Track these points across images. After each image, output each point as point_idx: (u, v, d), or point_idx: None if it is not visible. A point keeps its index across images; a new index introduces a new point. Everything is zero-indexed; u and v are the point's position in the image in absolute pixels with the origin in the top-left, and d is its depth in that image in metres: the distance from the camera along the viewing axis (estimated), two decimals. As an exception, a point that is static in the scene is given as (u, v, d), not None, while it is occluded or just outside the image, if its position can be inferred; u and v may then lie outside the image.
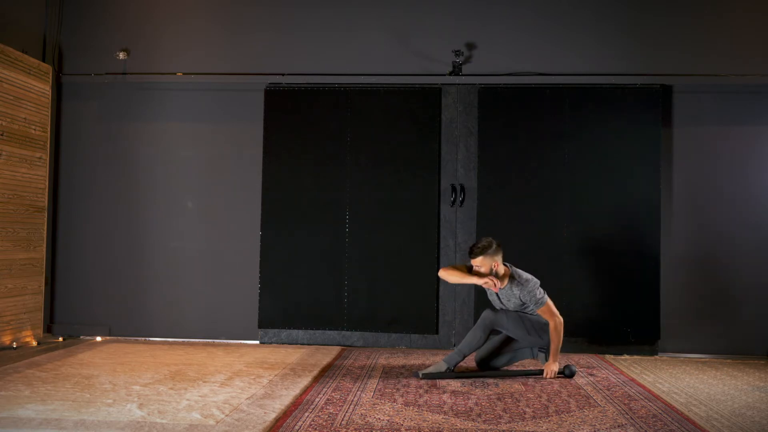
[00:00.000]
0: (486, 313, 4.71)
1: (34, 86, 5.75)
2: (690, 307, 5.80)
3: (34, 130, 5.78)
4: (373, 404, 3.84)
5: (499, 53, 6.02)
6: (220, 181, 6.17)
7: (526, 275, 4.72)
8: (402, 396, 4.05)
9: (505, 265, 4.74)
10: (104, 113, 6.29)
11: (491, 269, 4.64)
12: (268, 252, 5.97)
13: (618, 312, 5.73)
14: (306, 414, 3.60)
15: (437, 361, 4.77)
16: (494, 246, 4.64)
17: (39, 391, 4.00)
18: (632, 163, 5.79)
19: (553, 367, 4.65)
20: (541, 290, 4.71)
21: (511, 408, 3.82)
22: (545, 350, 4.80)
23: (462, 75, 5.94)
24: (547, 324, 4.71)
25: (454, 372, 4.59)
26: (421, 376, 4.54)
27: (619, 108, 5.83)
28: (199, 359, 5.15)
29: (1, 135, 5.38)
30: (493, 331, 4.75)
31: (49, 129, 5.97)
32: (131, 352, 5.39)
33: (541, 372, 4.69)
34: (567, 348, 5.73)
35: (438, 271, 4.98)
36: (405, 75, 6.03)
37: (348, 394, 4.07)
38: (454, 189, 5.90)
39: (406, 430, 3.35)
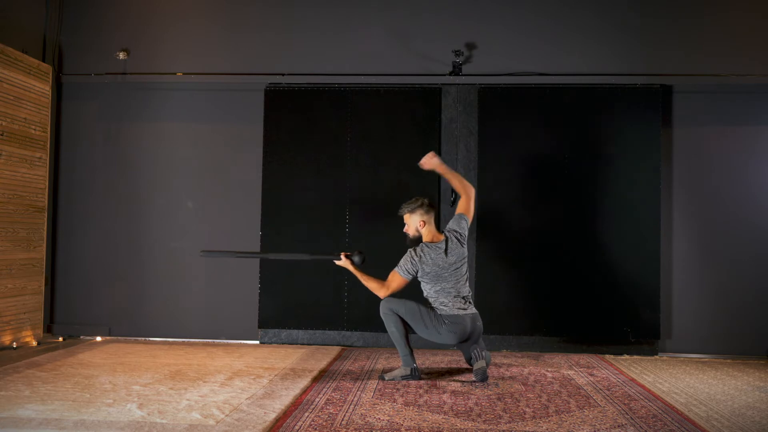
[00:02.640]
0: (381, 304, 4.60)
1: (34, 86, 5.75)
2: (689, 307, 5.80)
3: (34, 130, 5.78)
4: (373, 404, 3.84)
5: (499, 53, 6.02)
6: (220, 181, 6.17)
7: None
8: (402, 396, 4.05)
9: (442, 232, 4.69)
10: (104, 113, 6.29)
11: (416, 229, 4.67)
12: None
13: (618, 312, 5.73)
14: (306, 414, 3.60)
15: (437, 361, 4.75)
16: (418, 203, 4.67)
17: (39, 391, 4.00)
18: (632, 163, 5.79)
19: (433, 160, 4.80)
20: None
21: (511, 408, 3.82)
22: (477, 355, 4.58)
23: (462, 75, 5.94)
24: (445, 320, 4.56)
25: (418, 370, 4.52)
26: (386, 378, 4.51)
27: (619, 108, 5.83)
28: (199, 359, 5.15)
29: (1, 135, 5.38)
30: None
31: (49, 129, 5.97)
32: (131, 352, 5.39)
33: None
34: (567, 348, 5.74)
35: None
36: (405, 75, 6.03)
37: (348, 394, 4.07)
38: (454, 189, 5.89)
39: (406, 430, 3.35)
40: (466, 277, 4.65)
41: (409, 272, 4.57)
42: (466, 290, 4.63)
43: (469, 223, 4.75)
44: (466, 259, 4.66)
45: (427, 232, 4.67)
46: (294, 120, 6.03)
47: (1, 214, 5.41)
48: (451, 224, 4.73)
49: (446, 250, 4.58)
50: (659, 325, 5.70)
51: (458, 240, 4.63)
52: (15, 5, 5.89)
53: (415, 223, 4.68)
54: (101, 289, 6.18)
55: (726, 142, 5.86)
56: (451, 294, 4.56)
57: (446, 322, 4.52)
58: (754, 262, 5.77)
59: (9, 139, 5.46)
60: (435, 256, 4.56)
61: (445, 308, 4.55)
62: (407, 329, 4.57)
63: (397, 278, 4.60)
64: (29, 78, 5.68)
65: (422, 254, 4.57)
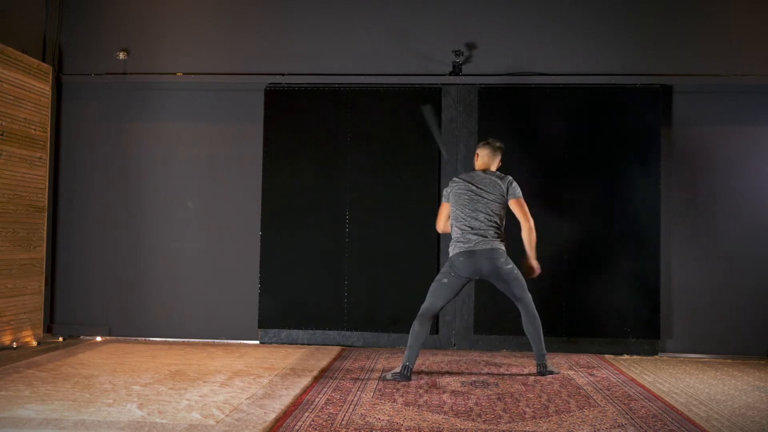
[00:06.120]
0: (423, 307, 4.63)
1: (34, 86, 5.75)
2: (690, 307, 5.80)
3: (34, 130, 5.78)
4: (373, 404, 3.84)
5: (499, 53, 6.02)
6: (220, 181, 6.17)
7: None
8: (402, 396, 4.05)
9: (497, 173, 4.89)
10: (104, 113, 6.29)
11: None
12: (268, 252, 5.97)
13: (618, 312, 5.73)
14: (306, 414, 3.60)
15: (437, 361, 4.75)
16: (498, 145, 4.93)
17: (39, 391, 4.00)
18: (632, 163, 5.79)
19: (534, 263, 4.80)
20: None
21: (511, 408, 3.82)
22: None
23: (462, 75, 5.94)
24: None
25: (408, 369, 4.50)
26: (389, 377, 4.53)
27: (619, 108, 5.83)
28: (199, 359, 5.16)
29: (1, 135, 5.38)
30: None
31: (49, 129, 5.97)
32: (131, 352, 5.39)
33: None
34: (567, 348, 5.74)
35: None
36: (405, 75, 6.03)
37: (348, 394, 4.07)
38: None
39: (406, 430, 3.35)
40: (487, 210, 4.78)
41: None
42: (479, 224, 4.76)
43: (510, 199, 4.85)
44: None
45: (480, 164, 4.91)
46: (294, 120, 6.03)
47: (1, 214, 5.41)
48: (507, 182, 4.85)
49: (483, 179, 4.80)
50: (659, 325, 5.70)
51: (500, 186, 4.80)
52: (15, 5, 5.90)
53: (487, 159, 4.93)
54: (101, 289, 6.18)
55: (726, 142, 5.86)
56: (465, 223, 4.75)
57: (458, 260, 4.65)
58: (754, 262, 5.77)
59: (9, 139, 5.46)
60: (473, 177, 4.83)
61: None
62: (426, 338, 4.61)
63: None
64: (29, 78, 5.68)
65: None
